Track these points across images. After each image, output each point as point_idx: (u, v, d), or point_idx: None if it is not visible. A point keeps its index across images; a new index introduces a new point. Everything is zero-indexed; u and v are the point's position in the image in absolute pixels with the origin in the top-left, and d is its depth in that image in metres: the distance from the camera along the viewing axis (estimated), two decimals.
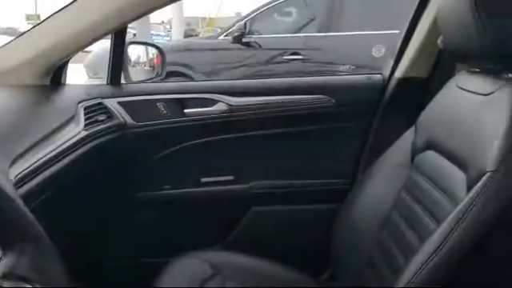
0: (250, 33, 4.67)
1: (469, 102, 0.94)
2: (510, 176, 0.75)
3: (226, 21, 8.38)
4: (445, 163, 0.94)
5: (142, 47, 1.77)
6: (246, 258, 1.26)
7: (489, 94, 0.87)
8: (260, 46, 4.66)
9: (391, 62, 1.37)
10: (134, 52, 1.74)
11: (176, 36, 8.54)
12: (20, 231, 0.55)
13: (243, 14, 5.40)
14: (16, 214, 0.56)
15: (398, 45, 1.35)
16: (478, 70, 0.98)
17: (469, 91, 0.96)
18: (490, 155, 0.78)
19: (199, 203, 1.43)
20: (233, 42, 4.65)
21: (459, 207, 0.78)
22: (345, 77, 1.69)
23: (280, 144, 1.42)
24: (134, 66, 1.74)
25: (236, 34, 4.60)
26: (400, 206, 1.06)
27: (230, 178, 1.45)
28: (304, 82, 1.49)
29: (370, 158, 1.30)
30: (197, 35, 9.67)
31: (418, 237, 0.89)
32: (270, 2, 4.77)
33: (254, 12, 4.80)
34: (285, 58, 4.45)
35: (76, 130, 1.13)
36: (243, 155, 1.44)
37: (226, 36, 4.80)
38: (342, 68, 3.87)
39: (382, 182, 1.16)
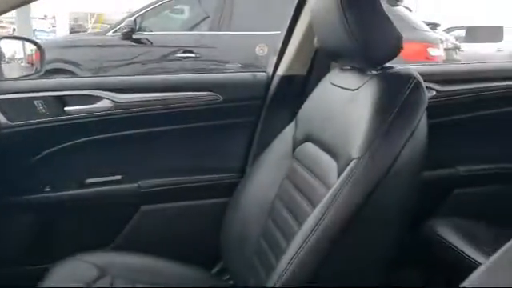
0: (141, 29, 4.54)
1: (339, 97, 1.03)
2: (373, 162, 0.83)
3: (117, 17, 8.07)
4: (320, 153, 1.02)
5: (19, 42, 1.66)
6: (135, 257, 1.24)
7: (356, 89, 0.96)
8: (151, 43, 4.54)
9: (274, 60, 1.43)
10: (10, 48, 1.62)
11: (61, 32, 8.02)
12: None
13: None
14: None
15: (280, 44, 1.42)
16: (348, 67, 1.07)
17: (340, 87, 1.05)
18: (355, 144, 0.86)
19: (85, 205, 1.37)
20: (122, 39, 4.47)
21: (330, 192, 0.85)
22: (231, 74, 1.74)
23: (168, 141, 1.42)
24: (8, 62, 1.62)
25: (125, 30, 4.43)
26: (282, 194, 1.12)
27: (118, 177, 1.40)
28: (191, 79, 1.50)
29: (258, 151, 1.35)
30: (85, 31, 9.17)
31: (298, 221, 0.95)
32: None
33: (144, 8, 4.67)
34: (178, 55, 4.40)
35: None
36: (131, 154, 1.41)
37: (115, 32, 4.62)
38: (228, 66, 3.94)
39: (267, 174, 1.21)
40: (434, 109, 1.42)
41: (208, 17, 4.68)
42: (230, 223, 1.28)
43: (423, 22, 4.69)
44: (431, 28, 4.95)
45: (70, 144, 1.34)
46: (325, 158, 0.99)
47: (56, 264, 1.12)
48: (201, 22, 4.83)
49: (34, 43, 1.58)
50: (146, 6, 4.67)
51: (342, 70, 1.09)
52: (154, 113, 1.38)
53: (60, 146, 1.33)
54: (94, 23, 10.19)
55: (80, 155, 1.35)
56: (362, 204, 0.82)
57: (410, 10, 5.02)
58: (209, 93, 1.40)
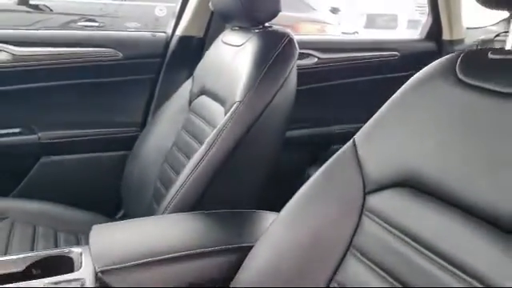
0: None
1: (229, 53, 1.17)
2: (250, 104, 0.99)
3: None
4: (212, 103, 1.16)
5: None
6: (34, 203, 1.29)
7: (241, 45, 1.11)
8: (51, 10, 4.34)
9: (173, 22, 1.54)
10: None
11: None
12: None
13: None
14: None
15: (178, 7, 1.53)
16: (236, 28, 1.21)
17: (229, 44, 1.19)
18: (237, 90, 1.01)
19: None
20: (18, 4, 4.22)
21: (215, 131, 0.99)
22: (132, 33, 1.80)
23: (70, 95, 1.47)
24: None
25: None
26: (179, 142, 1.24)
27: (17, 130, 1.43)
28: (92, 36, 1.55)
29: (157, 107, 1.46)
30: None
31: (188, 159, 1.09)
32: None
33: None
34: (80, 24, 4.26)
35: None
36: (30, 107, 1.43)
37: None
38: (128, 25, 3.93)
39: (165, 126, 1.33)
40: (315, 74, 1.64)
41: None
42: (130, 173, 1.37)
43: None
44: (332, 12, 5.30)
45: None
46: (216, 106, 1.13)
47: None
48: None
49: None
50: None
51: (232, 30, 1.23)
52: (54, 67, 1.42)
53: None
54: None
55: None
56: (239, 139, 0.98)
57: None
58: (109, 49, 1.47)
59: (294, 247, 0.70)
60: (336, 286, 0.65)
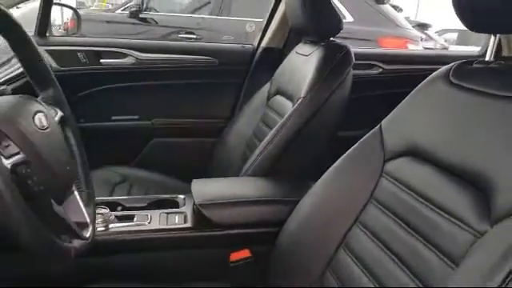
0: (148, 9, 4.93)
1: (299, 61, 1.48)
2: (311, 99, 1.29)
3: None
4: (284, 100, 1.47)
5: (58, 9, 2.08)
6: (148, 173, 1.69)
7: (309, 55, 1.42)
8: (156, 22, 4.92)
9: (259, 36, 1.89)
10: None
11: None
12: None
13: None
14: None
15: (264, 23, 1.88)
16: (308, 41, 1.52)
17: (301, 54, 1.50)
18: (303, 89, 1.32)
19: (110, 134, 1.81)
20: (130, 17, 4.85)
21: (284, 118, 1.31)
22: (226, 44, 2.20)
23: (176, 91, 1.87)
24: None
25: (133, 9, 4.82)
26: (257, 130, 1.57)
27: (136, 116, 1.86)
28: (195, 46, 1.96)
29: (242, 104, 1.80)
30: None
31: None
32: None
33: None
34: (180, 36, 4.78)
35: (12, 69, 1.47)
36: (147, 99, 1.86)
37: (123, 10, 5.00)
38: (224, 38, 4.37)
39: (247, 118, 1.66)
40: (380, 82, 1.89)
41: (209, 2, 5.08)
42: (217, 155, 1.73)
43: (418, 23, 5.10)
44: (422, 28, 5.39)
45: (102, 88, 1.78)
46: (286, 102, 1.44)
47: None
48: (202, 6, 5.23)
49: (74, 10, 2.01)
50: None
51: (304, 43, 1.54)
52: (166, 69, 1.83)
53: (94, 89, 1.78)
54: (99, 1, 10.50)
55: (109, 97, 1.80)
56: (301, 125, 1.28)
57: (396, 9, 5.44)
58: (208, 57, 1.85)
59: (330, 199, 0.98)
60: (359, 224, 0.93)
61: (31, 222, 0.57)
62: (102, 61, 1.78)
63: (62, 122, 0.79)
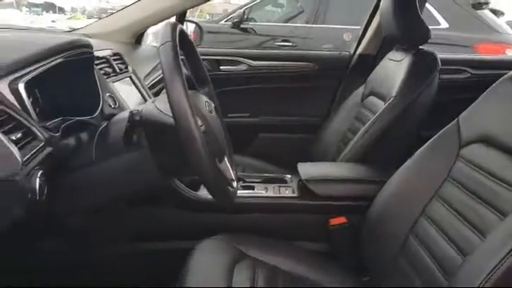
0: (248, 20, 5.34)
1: (391, 66, 1.71)
2: (400, 98, 1.51)
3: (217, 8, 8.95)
4: (377, 100, 1.71)
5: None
6: (255, 160, 2.00)
7: (400, 61, 1.65)
8: (255, 31, 5.31)
9: (355, 44, 2.15)
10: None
11: None
12: None
13: (232, 2, 6.06)
14: None
15: (360, 33, 2.13)
16: (400, 48, 1.75)
17: (392, 60, 1.73)
18: (394, 89, 1.55)
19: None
20: (232, 27, 5.29)
21: (375, 116, 1.54)
22: (326, 51, 2.48)
23: (280, 93, 2.18)
24: None
25: (235, 20, 5.26)
26: (351, 127, 1.82)
27: (246, 114, 2.20)
28: (299, 54, 2.26)
29: (338, 103, 2.06)
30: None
31: (354, 134, 1.65)
32: None
33: (251, 2, 5.49)
34: (276, 44, 5.12)
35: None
36: (256, 99, 2.19)
37: (226, 21, 5.47)
38: (324, 46, 4.63)
39: (343, 116, 1.91)
40: (467, 87, 2.04)
41: (302, 11, 5.38)
42: (315, 147, 2.00)
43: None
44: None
45: (221, 90, 2.14)
46: (378, 101, 1.68)
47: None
48: (297, 15, 5.54)
49: (197, 24, 2.40)
50: (252, 1, 5.48)
51: (396, 50, 1.77)
52: (272, 74, 2.15)
53: (215, 91, 2.14)
54: (200, 12, 11.30)
55: (226, 98, 2.15)
56: (391, 121, 1.51)
57: (497, 13, 5.30)
58: (309, 63, 2.14)
59: (412, 178, 1.20)
60: (437, 198, 1.13)
61: (215, 171, 0.88)
62: (221, 67, 2.14)
63: (216, 110, 1.12)
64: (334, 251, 1.36)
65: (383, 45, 2.06)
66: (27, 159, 0.76)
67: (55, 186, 0.86)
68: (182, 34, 1.00)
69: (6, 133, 0.74)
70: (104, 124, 1.01)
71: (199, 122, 0.89)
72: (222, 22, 5.53)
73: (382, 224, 1.23)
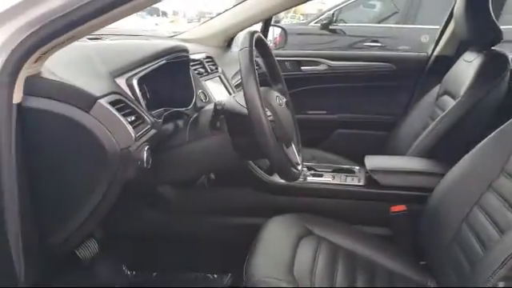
0: (337, 21, 5.44)
1: (464, 66, 1.77)
2: (471, 96, 1.58)
3: (310, 9, 9.05)
4: (450, 99, 1.78)
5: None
6: (331, 155, 2.15)
7: (472, 61, 1.71)
8: (344, 32, 5.38)
9: (432, 46, 2.21)
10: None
11: None
12: None
13: (326, 3, 6.16)
14: None
15: (437, 34, 2.19)
16: (473, 49, 1.80)
17: (466, 61, 1.79)
18: (464, 87, 1.62)
19: (305, 125, 2.33)
20: (321, 29, 5.39)
21: (443, 113, 1.63)
22: (403, 53, 2.55)
23: (358, 92, 2.31)
24: None
25: (324, 21, 5.38)
26: (426, 125, 1.88)
27: (324, 112, 2.36)
28: (376, 55, 2.37)
29: (414, 102, 2.14)
30: (279, 22, 10.54)
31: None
32: None
33: (341, 4, 5.58)
34: (365, 44, 5.15)
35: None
36: (335, 97, 2.34)
37: (315, 23, 5.61)
38: (400, 48, 4.60)
39: (417, 116, 1.99)
40: None
41: (397, 12, 5.34)
42: (390, 144, 2.10)
43: None
44: None
45: (301, 89, 2.33)
46: (450, 100, 1.75)
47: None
48: (389, 16, 5.51)
49: (281, 28, 2.61)
50: (343, 2, 5.56)
51: (470, 51, 1.82)
52: (351, 74, 2.29)
53: (296, 90, 2.33)
54: (293, 14, 11.50)
55: (306, 96, 2.34)
56: (458, 119, 1.58)
57: None
58: (386, 63, 2.25)
59: (469, 172, 1.28)
60: (491, 190, 1.21)
61: (280, 154, 1.08)
62: (302, 68, 2.33)
63: (287, 104, 1.30)
64: (393, 236, 1.48)
65: (460, 46, 2.10)
66: (138, 136, 1.01)
67: (156, 160, 1.11)
68: (260, 40, 1.21)
69: (124, 115, 0.99)
70: (195, 114, 1.26)
71: (268, 113, 1.09)
72: (312, 23, 5.68)
73: (439, 213, 1.33)
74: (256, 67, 1.04)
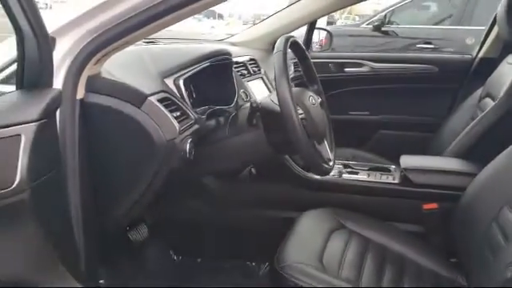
0: (389, 23, 5.39)
1: (507, 68, 1.78)
2: (507, 100, 1.59)
3: (366, 9, 8.96)
4: (491, 102, 1.78)
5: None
6: (372, 155, 2.19)
7: None
8: (397, 34, 5.32)
9: (477, 48, 2.20)
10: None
11: (319, 25, 9.42)
12: None
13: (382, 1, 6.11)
14: None
15: (482, 37, 2.18)
16: None
17: (509, 63, 1.79)
18: (503, 90, 1.63)
19: (346, 125, 2.40)
20: (373, 30, 5.35)
21: (482, 114, 1.64)
22: (447, 55, 2.55)
23: (401, 93, 2.34)
24: None
25: (376, 23, 5.35)
26: (467, 125, 1.89)
27: (367, 112, 2.41)
28: (421, 56, 2.39)
29: (457, 104, 2.14)
30: (335, 23, 10.50)
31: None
32: None
33: (394, 5, 5.52)
34: (418, 46, 5.05)
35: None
36: (377, 98, 2.39)
37: (367, 25, 5.59)
38: (445, 50, 4.51)
39: (459, 118, 2.00)
40: None
41: (451, 15, 5.22)
42: (432, 146, 2.12)
43: None
44: None
45: (343, 90, 2.40)
46: (491, 102, 1.76)
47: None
48: (445, 18, 5.39)
49: (328, 31, 2.67)
50: (397, 3, 5.50)
51: None
52: (393, 76, 2.33)
53: (338, 90, 2.40)
54: (348, 14, 11.42)
55: (348, 97, 2.40)
56: (497, 120, 1.59)
57: None
58: (429, 66, 2.27)
59: (500, 173, 1.29)
60: None
61: (310, 149, 1.17)
62: (345, 69, 2.39)
63: (321, 104, 1.39)
64: (425, 233, 1.52)
65: (504, 48, 2.08)
66: (182, 129, 1.13)
67: (199, 152, 1.24)
68: (295, 44, 1.31)
69: (170, 111, 1.12)
70: (235, 112, 1.38)
71: (300, 111, 1.18)
72: (364, 25, 5.66)
73: (471, 212, 1.36)
74: (298, 69, 1.14)
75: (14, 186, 0.75)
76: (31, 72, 0.84)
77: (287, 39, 1.21)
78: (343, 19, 11.73)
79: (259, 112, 1.26)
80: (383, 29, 5.32)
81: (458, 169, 1.53)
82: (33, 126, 0.77)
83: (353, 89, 2.40)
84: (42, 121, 0.79)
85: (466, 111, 1.99)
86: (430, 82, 2.28)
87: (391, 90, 2.36)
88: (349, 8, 12.81)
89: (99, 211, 1.11)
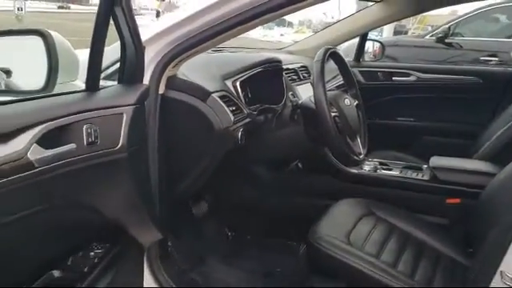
0: (454, 35, 5.39)
1: None
2: None
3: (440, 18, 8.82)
4: None
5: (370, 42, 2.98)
6: (415, 159, 2.37)
7: None
8: (461, 46, 5.28)
9: None
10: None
11: (386, 34, 9.44)
12: None
13: (459, 13, 6.04)
14: None
15: None
16: None
17: None
18: None
19: (394, 130, 2.59)
20: (436, 42, 5.36)
21: None
22: (490, 68, 2.67)
23: (445, 102, 2.50)
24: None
25: (440, 35, 5.36)
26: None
27: (411, 119, 2.59)
28: (466, 69, 2.54)
29: (499, 112, 2.26)
30: (406, 32, 10.38)
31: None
32: (481, 8, 5.42)
33: (461, 16, 5.52)
34: (481, 58, 4.98)
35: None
36: (422, 107, 2.56)
37: (431, 36, 5.61)
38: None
39: (498, 127, 2.12)
40: None
41: None
42: (470, 153, 2.25)
43: None
44: None
45: (391, 97, 2.59)
46: None
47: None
48: None
49: (379, 42, 2.87)
50: (464, 15, 5.49)
51: None
52: (439, 86, 2.50)
53: (387, 98, 2.60)
54: (418, 24, 11.28)
55: (395, 104, 2.59)
56: None
57: None
58: (475, 77, 2.41)
59: None
60: None
61: (340, 142, 1.41)
62: (393, 78, 2.59)
63: (358, 106, 1.62)
64: (448, 225, 1.70)
65: None
66: (236, 120, 1.43)
67: (249, 142, 1.52)
68: (335, 54, 1.56)
69: (228, 106, 1.42)
70: (281, 109, 1.66)
71: (334, 110, 1.43)
72: (427, 37, 5.69)
73: (489, 207, 1.51)
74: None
75: (118, 147, 1.08)
76: (129, 71, 1.17)
77: (326, 50, 1.47)
78: (412, 29, 11.61)
79: (300, 109, 1.53)
80: (447, 40, 5.32)
81: (479, 169, 1.70)
82: (131, 108, 1.09)
83: (400, 96, 2.59)
84: (137, 105, 1.11)
85: (504, 120, 2.11)
86: (473, 92, 2.43)
87: (436, 98, 2.52)
88: (419, 17, 12.68)
89: (170, 182, 1.42)
